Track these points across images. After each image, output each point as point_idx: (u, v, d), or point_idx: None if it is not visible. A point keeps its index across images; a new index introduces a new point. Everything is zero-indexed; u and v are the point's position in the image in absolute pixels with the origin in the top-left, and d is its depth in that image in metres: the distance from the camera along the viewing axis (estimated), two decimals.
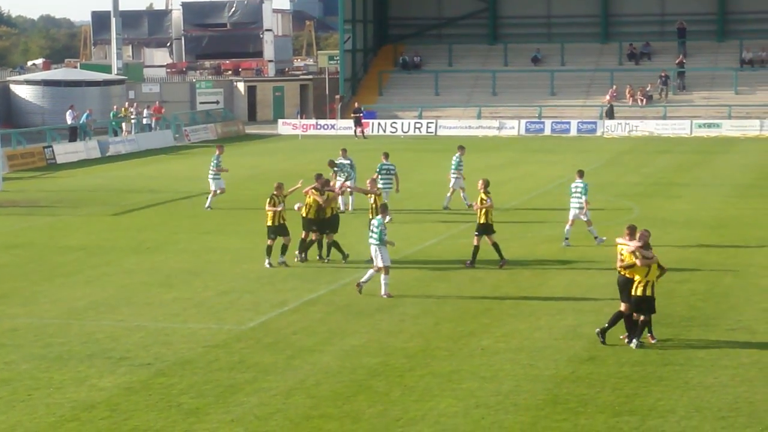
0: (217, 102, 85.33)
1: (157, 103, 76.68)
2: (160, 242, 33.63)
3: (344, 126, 77.96)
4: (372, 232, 25.68)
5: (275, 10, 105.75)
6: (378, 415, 17.35)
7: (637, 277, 20.98)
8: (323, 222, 29.82)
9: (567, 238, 31.66)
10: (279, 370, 19.85)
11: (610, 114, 75.75)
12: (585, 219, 31.74)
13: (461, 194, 39.54)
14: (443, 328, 22.70)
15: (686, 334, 21.83)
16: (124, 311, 24.61)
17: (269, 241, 29.39)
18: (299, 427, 16.88)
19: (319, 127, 79.42)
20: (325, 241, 29.96)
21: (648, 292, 20.98)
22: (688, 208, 39.06)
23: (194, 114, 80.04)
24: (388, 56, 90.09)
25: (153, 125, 73.50)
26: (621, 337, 21.49)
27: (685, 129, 73.34)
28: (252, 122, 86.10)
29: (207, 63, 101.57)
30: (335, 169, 38.54)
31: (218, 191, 40.46)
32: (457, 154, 40.24)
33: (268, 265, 29.08)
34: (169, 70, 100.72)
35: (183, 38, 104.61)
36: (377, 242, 25.46)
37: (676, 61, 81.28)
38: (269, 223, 29.43)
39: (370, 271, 25.65)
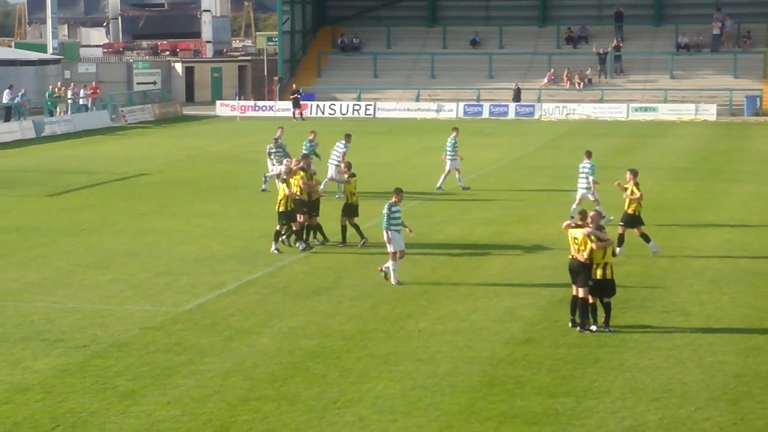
0: (155, 83, 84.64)
1: (93, 83, 75.93)
2: (97, 223, 33.35)
3: (283, 107, 77.70)
4: (390, 218, 24.95)
5: None
6: (315, 397, 17.36)
7: (595, 261, 21.06)
8: (311, 205, 29.40)
9: (573, 217, 31.49)
10: (216, 352, 19.79)
11: (517, 97, 76.53)
12: (593, 198, 32.13)
13: (456, 176, 39.39)
14: (381, 311, 22.74)
15: (621, 316, 22.02)
16: (60, 293, 24.40)
17: (295, 226, 28.79)
18: (236, 409, 16.84)
19: (257, 108, 79.09)
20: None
21: (608, 275, 21.13)
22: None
23: (131, 95, 79.39)
24: (326, 38, 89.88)
25: (89, 106, 72.79)
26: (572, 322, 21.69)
27: (621, 112, 73.89)
28: (190, 103, 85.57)
29: (144, 43, 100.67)
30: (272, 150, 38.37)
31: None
32: (452, 136, 40.02)
33: (305, 246, 28.56)
34: (105, 50, 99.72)
35: (120, 18, 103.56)
36: (398, 227, 25.03)
37: (613, 45, 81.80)
38: (281, 209, 28.50)
39: (390, 262, 25.00)
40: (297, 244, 28.88)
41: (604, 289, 21.18)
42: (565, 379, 18.26)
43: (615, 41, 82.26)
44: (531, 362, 19.14)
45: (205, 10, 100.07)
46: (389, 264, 25.05)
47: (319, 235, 29.59)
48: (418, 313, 22.48)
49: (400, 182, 39.46)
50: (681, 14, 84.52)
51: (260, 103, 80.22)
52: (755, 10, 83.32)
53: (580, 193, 32.31)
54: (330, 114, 77.31)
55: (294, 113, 75.00)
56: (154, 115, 75.71)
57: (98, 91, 74.59)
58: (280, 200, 28.52)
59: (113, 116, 72.09)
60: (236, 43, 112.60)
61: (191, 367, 18.90)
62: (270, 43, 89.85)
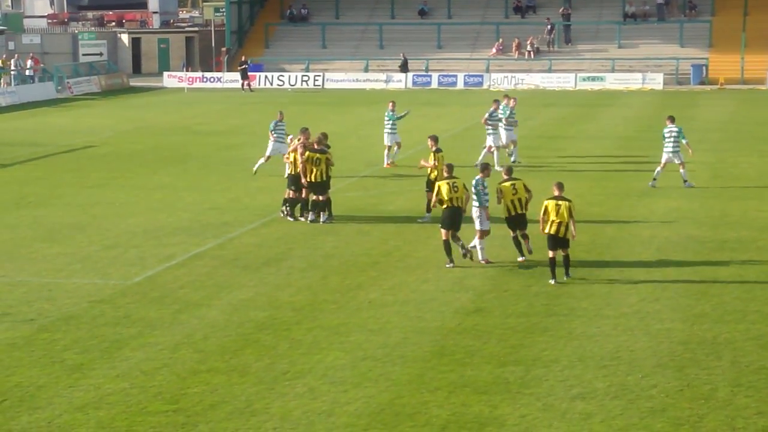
0: (101, 54, 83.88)
1: (31, 54, 75.11)
2: (43, 196, 33.07)
3: (231, 79, 77.35)
4: (483, 194, 24.00)
5: None
6: (265, 369, 17.34)
7: (549, 218, 22.16)
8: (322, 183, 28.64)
9: (655, 179, 33.60)
10: (165, 325, 19.71)
11: (405, 67, 76.83)
12: (678, 162, 33.39)
13: (512, 148, 38.81)
14: (331, 282, 22.73)
15: (570, 285, 22.17)
16: (6, 267, 24.17)
17: (316, 197, 28.30)
18: (186, 382, 16.79)
19: (205, 80, 78.66)
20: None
21: (561, 233, 22.18)
22: (572, 161, 39.54)
23: (77, 66, 78.61)
24: (274, 8, 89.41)
25: (35, 77, 72.04)
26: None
27: (569, 82, 74.18)
28: (137, 75, 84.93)
29: (89, 14, 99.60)
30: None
31: (395, 146, 38.46)
32: (510, 105, 39.05)
33: (318, 220, 28.30)
34: (50, 21, 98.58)
35: None
36: (477, 204, 23.99)
37: (561, 11, 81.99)
38: (314, 179, 28.09)
39: (477, 240, 24.20)
40: (314, 216, 28.47)
41: (559, 243, 22.28)
42: (515, 348, 18.36)
43: (562, 9, 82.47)
44: (481, 332, 19.23)
45: None
46: (476, 243, 24.17)
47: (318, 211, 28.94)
48: (369, 284, 22.50)
49: (349, 153, 39.43)
50: None
51: (208, 75, 79.80)
52: None
53: (665, 156, 33.41)
54: (278, 85, 77.03)
55: (242, 85, 74.67)
56: (101, 86, 75.07)
57: (38, 62, 73.83)
58: (313, 171, 28.05)
59: (59, 88, 71.42)
60: (183, 14, 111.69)
61: (140, 340, 18.82)
62: (217, 14, 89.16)
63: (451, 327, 19.55)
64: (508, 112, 38.48)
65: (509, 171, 24.42)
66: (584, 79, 74.42)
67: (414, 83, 75.76)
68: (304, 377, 16.97)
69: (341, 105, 62.66)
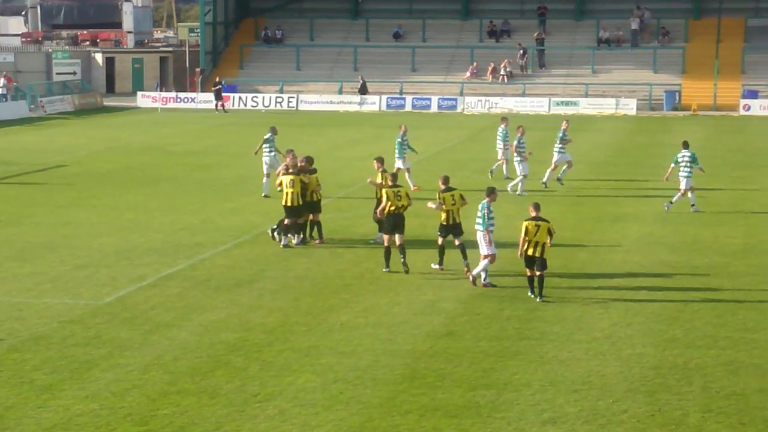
0: (74, 73, 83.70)
1: (4, 72, 74.86)
2: (14, 215, 32.89)
3: (205, 99, 77.32)
4: (489, 218, 23.91)
5: None
6: (236, 391, 17.27)
7: (528, 237, 22.55)
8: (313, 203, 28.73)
9: (670, 203, 33.83)
10: (136, 346, 19.61)
11: (363, 90, 77.16)
12: (687, 187, 33.79)
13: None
14: (302, 304, 22.68)
15: (542, 309, 22.20)
16: None
17: (301, 220, 28.30)
18: (156, 403, 16.70)
19: (179, 100, 78.60)
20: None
21: (538, 253, 22.60)
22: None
23: (50, 85, 78.41)
24: (249, 30, 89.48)
25: (7, 96, 71.78)
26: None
27: (543, 106, 74.47)
28: (110, 94, 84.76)
29: (64, 33, 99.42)
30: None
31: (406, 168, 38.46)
32: (503, 127, 40.28)
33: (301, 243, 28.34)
34: (24, 39, 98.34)
35: (39, 7, 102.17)
36: (482, 227, 23.88)
37: (535, 35, 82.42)
38: (289, 203, 27.90)
39: (483, 262, 24.08)
40: (279, 237, 28.33)
41: (536, 264, 22.68)
42: (486, 371, 18.35)
43: (536, 33, 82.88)
44: (452, 355, 19.21)
45: (126, 0, 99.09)
46: (481, 267, 24.07)
47: (315, 233, 28.84)
48: (340, 306, 22.46)
49: (322, 175, 39.27)
50: (602, 9, 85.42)
51: (182, 95, 79.74)
52: (674, 6, 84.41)
53: (684, 183, 33.83)
54: (252, 106, 77.02)
55: (216, 105, 74.62)
56: (74, 105, 74.87)
57: (11, 81, 73.60)
58: (287, 194, 27.86)
59: (32, 106, 71.16)
60: (158, 34, 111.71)
61: (110, 361, 18.71)
62: (192, 35, 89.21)
63: (423, 350, 19.53)
64: (516, 140, 38.77)
65: (446, 181, 25.39)
66: (558, 104, 74.75)
67: (388, 106, 75.90)
68: (275, 399, 16.91)
69: (315, 127, 62.67)
